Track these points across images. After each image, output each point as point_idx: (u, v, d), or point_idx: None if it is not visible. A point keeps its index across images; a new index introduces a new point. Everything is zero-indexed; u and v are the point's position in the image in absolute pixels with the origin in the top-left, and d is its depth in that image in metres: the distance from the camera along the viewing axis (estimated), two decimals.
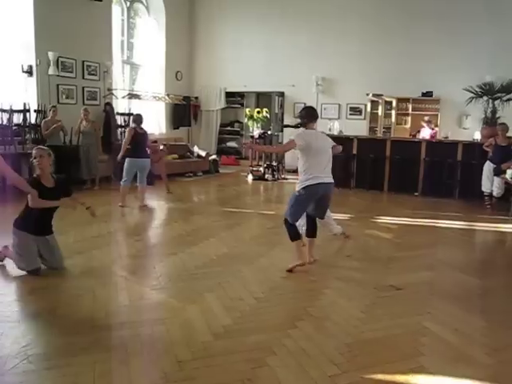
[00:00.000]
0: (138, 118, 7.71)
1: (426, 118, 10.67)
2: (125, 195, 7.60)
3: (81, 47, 9.83)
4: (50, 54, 8.97)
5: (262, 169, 11.41)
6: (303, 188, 4.54)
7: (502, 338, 3.40)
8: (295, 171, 10.93)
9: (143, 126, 7.76)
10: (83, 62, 9.96)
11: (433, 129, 10.57)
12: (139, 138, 7.53)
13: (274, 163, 11.48)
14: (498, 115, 9.44)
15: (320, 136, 4.80)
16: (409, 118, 11.58)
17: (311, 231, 4.93)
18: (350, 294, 4.23)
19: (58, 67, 9.22)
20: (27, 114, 8.69)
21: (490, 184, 8.28)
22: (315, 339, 3.26)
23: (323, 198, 4.70)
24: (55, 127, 8.43)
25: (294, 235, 4.69)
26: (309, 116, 4.75)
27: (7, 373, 2.73)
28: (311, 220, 4.91)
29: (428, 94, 11.29)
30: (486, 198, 8.46)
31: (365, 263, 5.06)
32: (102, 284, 4.20)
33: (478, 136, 9.85)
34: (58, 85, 9.38)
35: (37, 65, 8.91)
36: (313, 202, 4.68)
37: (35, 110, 8.84)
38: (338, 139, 5.08)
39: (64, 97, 9.56)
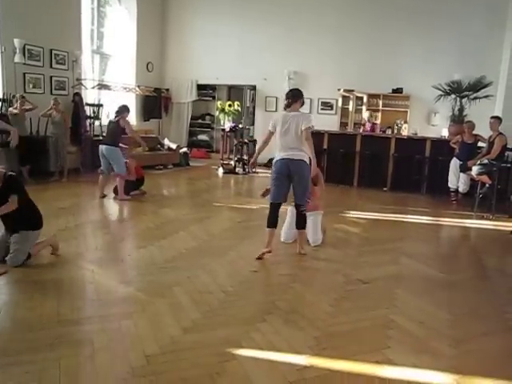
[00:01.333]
0: (119, 109, 7.67)
1: (367, 114, 11.30)
2: (101, 186, 7.65)
3: (49, 35, 9.57)
4: (16, 41, 8.70)
5: (232, 162, 11.39)
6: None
7: (466, 330, 3.49)
8: (266, 165, 11.07)
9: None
10: (51, 50, 9.70)
11: (372, 123, 11.11)
12: (108, 126, 7.76)
13: (245, 157, 11.46)
14: (465, 113, 9.63)
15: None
16: (379, 114, 11.72)
17: (297, 221, 4.94)
18: (318, 287, 4.28)
19: (24, 55, 8.96)
20: None
21: (456, 180, 8.46)
22: (284, 333, 3.27)
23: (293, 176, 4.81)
24: (22, 109, 8.27)
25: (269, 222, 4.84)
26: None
27: None
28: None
29: (398, 90, 11.44)
30: (452, 193, 8.65)
31: (333, 257, 5.10)
32: (68, 278, 4.13)
33: (445, 133, 10.06)
34: (24, 73, 9.11)
35: (2, 52, 8.62)
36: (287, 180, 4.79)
37: (0, 99, 8.59)
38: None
39: (31, 86, 9.29)
